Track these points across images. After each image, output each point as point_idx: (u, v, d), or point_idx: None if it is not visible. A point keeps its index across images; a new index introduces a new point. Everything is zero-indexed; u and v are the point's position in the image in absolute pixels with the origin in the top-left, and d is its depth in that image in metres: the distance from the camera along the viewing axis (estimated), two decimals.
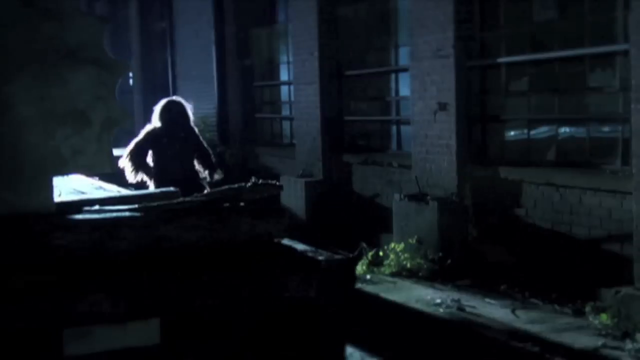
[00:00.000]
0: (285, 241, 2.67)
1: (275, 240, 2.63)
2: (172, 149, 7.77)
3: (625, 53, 6.94)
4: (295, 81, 12.24)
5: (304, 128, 11.81)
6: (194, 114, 8.26)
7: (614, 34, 7.33)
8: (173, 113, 7.92)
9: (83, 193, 3.75)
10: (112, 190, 3.96)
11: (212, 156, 8.16)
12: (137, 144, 7.79)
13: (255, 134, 13.95)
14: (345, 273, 2.47)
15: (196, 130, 8.20)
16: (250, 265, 2.44)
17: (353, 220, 10.47)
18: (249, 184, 2.80)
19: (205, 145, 8.17)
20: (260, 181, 2.76)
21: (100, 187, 4.05)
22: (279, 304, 2.43)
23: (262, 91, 14.40)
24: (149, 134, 7.85)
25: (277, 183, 2.89)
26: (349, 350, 5.63)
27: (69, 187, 3.68)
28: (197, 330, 2.39)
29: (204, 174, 7.92)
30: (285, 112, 13.54)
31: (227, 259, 2.45)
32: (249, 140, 14.16)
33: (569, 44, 7.79)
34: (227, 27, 14.39)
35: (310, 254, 2.54)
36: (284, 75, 13.44)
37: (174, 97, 8.42)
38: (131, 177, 7.68)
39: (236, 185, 2.80)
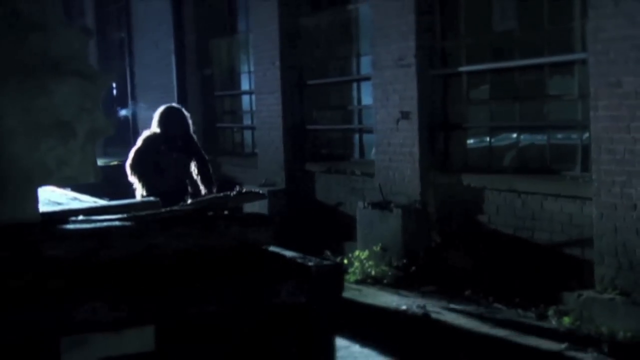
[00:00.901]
0: (273, 248, 2.72)
1: (264, 247, 2.67)
2: (168, 157, 7.61)
3: (584, 62, 7.12)
4: (256, 90, 12.27)
5: (266, 137, 11.84)
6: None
7: (573, 43, 7.51)
8: (172, 120, 7.77)
9: (59, 204, 3.75)
10: (88, 200, 3.96)
11: (210, 167, 8.01)
12: (137, 153, 7.60)
13: (216, 143, 13.92)
14: (334, 278, 2.53)
15: (195, 138, 8.05)
16: (242, 272, 2.48)
17: (317, 229, 10.51)
18: (234, 192, 2.85)
19: (204, 153, 8.01)
20: (245, 190, 2.80)
21: (75, 198, 4.05)
22: (271, 310, 2.47)
23: (223, 101, 14.39)
24: (148, 140, 7.68)
25: (261, 191, 2.94)
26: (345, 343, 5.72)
27: (43, 198, 3.66)
28: (190, 336, 2.42)
29: (200, 184, 7.73)
30: (247, 121, 13.55)
31: (218, 266, 2.49)
32: (210, 150, 14.11)
33: (529, 53, 7.96)
34: (187, 36, 14.34)
35: (299, 260, 2.59)
36: (245, 85, 13.46)
37: (174, 104, 8.26)
38: (139, 189, 7.47)
39: (222, 194, 2.84)
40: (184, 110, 8.01)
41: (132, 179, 7.54)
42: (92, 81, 2.87)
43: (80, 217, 2.82)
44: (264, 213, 2.64)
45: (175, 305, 2.35)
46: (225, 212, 2.81)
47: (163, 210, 2.79)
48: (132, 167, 7.53)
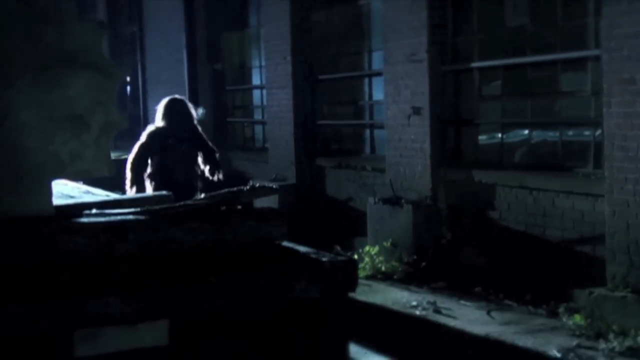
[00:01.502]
0: (287, 243, 2.72)
1: (277, 242, 2.67)
2: (177, 150, 7.42)
3: (597, 58, 7.08)
4: (267, 85, 12.26)
5: (277, 132, 11.83)
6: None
7: (586, 40, 7.47)
8: (178, 112, 7.55)
9: (72, 197, 3.76)
10: (101, 194, 3.96)
11: (217, 154, 7.84)
12: (142, 148, 7.41)
13: (227, 138, 13.93)
14: (348, 274, 2.52)
15: (199, 128, 7.86)
16: (256, 267, 2.48)
17: (327, 224, 10.51)
18: (247, 187, 2.84)
19: (210, 143, 7.85)
20: (258, 184, 2.80)
21: (88, 192, 4.06)
22: (285, 305, 2.46)
23: (234, 95, 14.39)
24: (153, 135, 7.48)
25: (274, 186, 2.93)
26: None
27: (56, 191, 3.66)
28: (204, 331, 2.42)
29: (207, 173, 7.55)
30: (258, 116, 13.55)
31: (233, 261, 2.49)
32: (221, 145, 14.12)
33: (542, 49, 7.93)
34: (198, 31, 14.34)
35: (313, 256, 2.58)
36: (256, 80, 13.45)
37: (176, 95, 8.02)
38: (128, 188, 7.27)
39: (235, 189, 2.84)
40: (187, 100, 7.86)
41: (129, 175, 7.32)
42: (106, 75, 2.88)
43: (94, 211, 2.83)
44: (275, 208, 2.65)
45: (189, 299, 2.35)
46: (239, 207, 2.81)
47: (177, 204, 2.79)
48: (134, 163, 7.35)
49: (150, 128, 7.59)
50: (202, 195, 2.96)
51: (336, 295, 2.47)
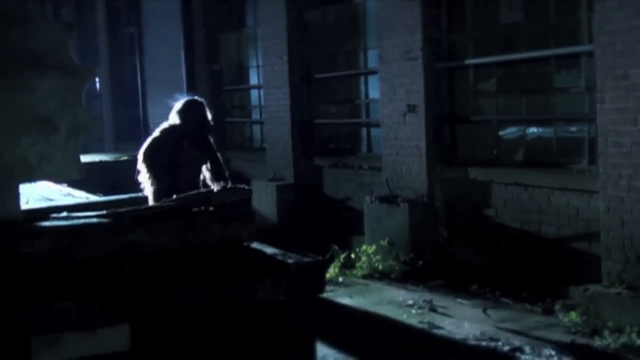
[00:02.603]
0: (255, 245, 2.68)
1: (245, 244, 2.63)
2: (190, 155, 7.02)
3: (590, 54, 7.04)
4: (265, 85, 12.24)
5: (275, 132, 11.82)
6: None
7: (579, 36, 7.42)
8: (197, 115, 7.15)
9: (51, 200, 3.73)
10: (81, 196, 3.93)
11: (224, 167, 7.48)
12: (154, 141, 6.97)
13: (225, 138, 13.90)
14: (315, 276, 2.48)
15: (211, 138, 7.45)
16: (219, 269, 2.44)
17: (324, 223, 10.49)
18: (218, 188, 2.80)
19: (218, 155, 7.45)
20: (230, 185, 2.76)
21: (69, 194, 4.03)
22: (249, 307, 2.42)
23: (232, 95, 14.38)
24: (167, 130, 7.05)
25: (246, 187, 2.90)
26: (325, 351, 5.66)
27: (36, 194, 3.65)
28: (167, 334, 2.39)
29: (209, 181, 7.03)
30: (255, 116, 13.54)
31: (197, 263, 2.45)
32: (219, 145, 14.09)
33: (535, 45, 7.88)
34: (195, 31, 14.35)
35: (279, 257, 2.54)
36: (253, 79, 13.44)
37: (196, 97, 7.54)
38: (148, 185, 6.68)
39: (205, 190, 2.80)
40: (206, 104, 7.38)
41: (142, 167, 6.87)
42: (74, 76, 2.84)
43: (63, 214, 2.79)
44: (248, 209, 2.59)
45: (150, 304, 2.31)
46: (210, 209, 2.77)
47: (143, 207, 2.75)
48: (146, 154, 6.90)
49: (164, 125, 7.19)
50: (174, 197, 2.92)
51: (302, 298, 2.43)
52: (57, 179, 2.97)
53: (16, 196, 2.81)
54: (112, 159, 14.69)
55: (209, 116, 7.38)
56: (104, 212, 2.64)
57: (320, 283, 2.51)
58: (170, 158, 6.99)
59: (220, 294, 2.37)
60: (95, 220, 2.56)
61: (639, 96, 6.33)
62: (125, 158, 14.46)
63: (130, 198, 3.23)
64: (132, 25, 17.09)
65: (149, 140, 7.08)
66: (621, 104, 6.48)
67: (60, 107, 2.80)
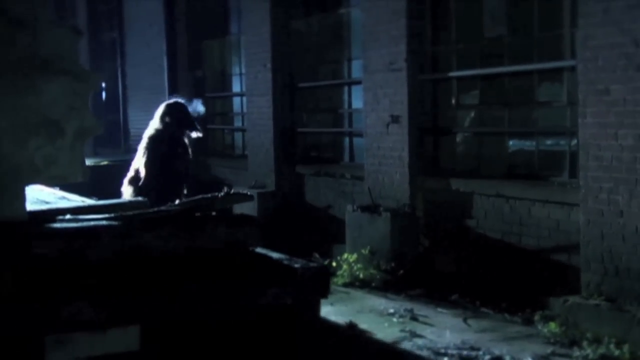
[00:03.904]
0: (259, 249, 2.73)
1: (250, 248, 2.68)
2: (182, 161, 7.01)
3: (573, 69, 7.16)
4: (248, 93, 12.28)
5: (257, 139, 11.85)
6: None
7: (562, 50, 7.55)
8: (189, 118, 7.09)
9: (47, 203, 3.76)
10: (76, 199, 3.96)
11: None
12: (155, 150, 6.85)
13: (207, 145, 13.91)
14: (320, 281, 2.54)
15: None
16: (228, 273, 2.49)
17: (306, 232, 10.52)
18: (222, 193, 2.85)
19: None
20: (232, 191, 2.82)
21: (64, 197, 4.05)
22: (257, 311, 2.47)
23: (214, 102, 14.39)
24: (162, 140, 6.96)
25: (248, 193, 2.95)
26: None
27: (31, 197, 3.67)
28: (176, 336, 2.43)
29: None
30: (238, 123, 13.57)
31: (205, 267, 2.50)
32: (200, 151, 14.13)
33: (518, 59, 8.00)
34: (178, 38, 14.36)
35: (285, 262, 2.60)
36: (236, 87, 13.47)
37: (179, 99, 7.51)
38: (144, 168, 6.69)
39: (209, 195, 2.86)
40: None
41: (146, 176, 6.84)
42: (81, 80, 2.88)
43: (68, 216, 2.83)
44: (252, 215, 2.64)
45: (161, 306, 2.35)
46: (213, 214, 2.82)
47: (150, 210, 2.80)
48: (153, 164, 6.84)
49: (151, 132, 7.13)
50: (177, 202, 2.96)
51: (308, 302, 2.48)
52: (63, 182, 3.00)
53: (22, 198, 2.84)
54: (92, 164, 14.63)
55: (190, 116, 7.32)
56: (114, 215, 2.69)
57: (325, 287, 2.56)
58: (169, 166, 6.96)
59: (229, 298, 2.42)
60: (105, 222, 2.61)
61: (620, 111, 6.45)
62: (105, 163, 14.42)
63: (130, 202, 3.27)
64: (113, 30, 17.04)
65: (147, 148, 6.93)
66: (602, 119, 6.59)
67: (67, 110, 2.84)
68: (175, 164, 6.94)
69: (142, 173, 6.78)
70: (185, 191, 7.04)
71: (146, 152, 6.86)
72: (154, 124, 7.20)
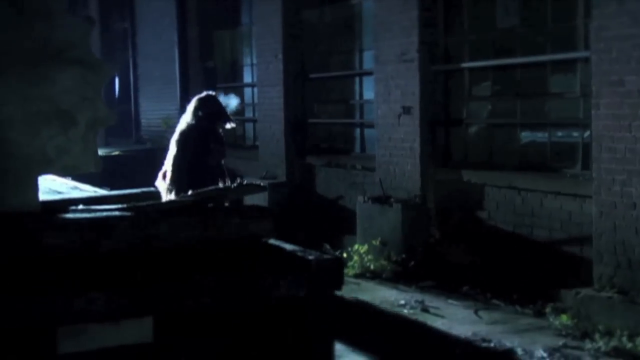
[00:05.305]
0: (272, 241, 2.72)
1: (263, 239, 2.68)
2: (215, 154, 6.86)
3: (586, 60, 7.11)
4: (259, 83, 12.26)
5: (268, 130, 11.84)
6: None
7: (575, 41, 7.50)
8: (222, 110, 7.02)
9: (60, 193, 3.76)
10: (89, 190, 3.96)
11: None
12: (189, 147, 6.73)
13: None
14: (334, 272, 2.53)
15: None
16: (241, 264, 2.48)
17: (317, 222, 10.52)
18: (235, 184, 2.84)
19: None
20: (245, 182, 2.81)
21: (76, 187, 4.05)
22: (271, 303, 2.47)
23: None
24: (198, 135, 6.83)
25: (262, 184, 2.94)
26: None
27: (43, 186, 3.67)
28: (190, 328, 2.42)
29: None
30: (248, 114, 13.55)
31: (218, 258, 2.49)
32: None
33: (531, 50, 7.95)
34: (190, 28, 14.35)
35: (299, 254, 2.59)
36: (247, 77, 13.45)
37: (211, 92, 7.41)
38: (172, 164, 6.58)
39: (222, 186, 2.84)
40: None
41: (176, 175, 6.66)
42: (94, 70, 2.87)
43: (81, 207, 2.83)
44: (265, 205, 2.63)
45: (173, 297, 2.35)
46: (226, 204, 2.81)
47: (164, 201, 2.79)
48: (183, 162, 6.70)
49: (182, 126, 7.01)
50: (190, 192, 2.95)
51: (322, 294, 2.47)
52: (75, 172, 2.99)
53: (35, 188, 2.84)
54: (104, 154, 14.68)
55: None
56: (126, 205, 2.69)
57: (339, 279, 2.55)
58: (203, 162, 6.79)
59: (244, 289, 2.41)
60: (118, 213, 2.61)
61: (633, 103, 6.41)
62: (117, 153, 14.46)
63: (142, 192, 3.27)
64: (125, 21, 17.04)
65: (179, 142, 6.82)
66: (616, 110, 6.55)
67: (80, 100, 2.83)
68: (207, 158, 6.85)
69: (171, 168, 6.76)
70: (220, 185, 6.85)
71: (177, 146, 6.85)
72: (186, 118, 7.16)
